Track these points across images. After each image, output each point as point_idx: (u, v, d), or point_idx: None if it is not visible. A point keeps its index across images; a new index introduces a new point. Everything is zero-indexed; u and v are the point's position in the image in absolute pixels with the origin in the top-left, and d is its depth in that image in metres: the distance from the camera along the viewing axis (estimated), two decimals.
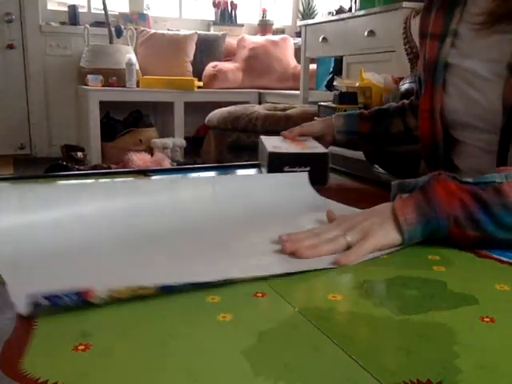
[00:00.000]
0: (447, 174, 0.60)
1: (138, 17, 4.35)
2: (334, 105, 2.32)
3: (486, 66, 0.78)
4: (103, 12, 3.98)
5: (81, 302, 0.42)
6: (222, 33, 4.44)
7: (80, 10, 4.22)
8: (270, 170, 0.83)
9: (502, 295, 0.49)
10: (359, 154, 1.25)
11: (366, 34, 2.79)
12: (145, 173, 0.98)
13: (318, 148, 0.90)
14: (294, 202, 0.73)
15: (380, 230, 0.58)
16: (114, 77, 3.83)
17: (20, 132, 4.11)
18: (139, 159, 2.97)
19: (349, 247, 0.56)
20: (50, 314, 0.42)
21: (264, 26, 4.71)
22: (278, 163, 0.84)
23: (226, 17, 4.66)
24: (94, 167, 3.14)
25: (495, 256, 0.58)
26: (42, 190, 0.65)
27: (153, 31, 4.23)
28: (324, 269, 0.53)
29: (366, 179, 0.98)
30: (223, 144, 3.09)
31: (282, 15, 5.08)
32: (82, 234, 0.60)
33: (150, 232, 0.62)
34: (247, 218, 0.68)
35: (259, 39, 4.43)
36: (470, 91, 0.80)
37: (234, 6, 4.66)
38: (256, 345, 0.38)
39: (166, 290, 0.46)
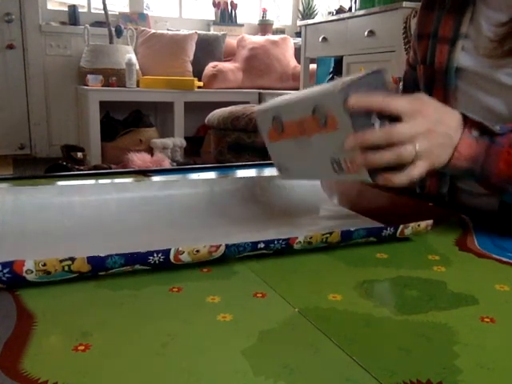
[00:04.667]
0: None
1: (137, 17, 4.35)
2: None
3: (505, 72, 0.73)
4: (103, 12, 3.98)
5: (14, 277, 0.45)
6: (221, 33, 4.44)
7: (80, 10, 4.22)
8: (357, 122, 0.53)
9: (502, 295, 0.49)
10: None
11: (365, 33, 2.79)
12: (145, 173, 0.98)
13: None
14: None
15: (440, 151, 0.58)
16: (114, 77, 3.83)
17: (20, 132, 4.11)
18: (139, 159, 2.97)
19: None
20: (49, 314, 0.42)
21: (264, 26, 4.71)
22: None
23: (226, 17, 4.66)
24: (94, 167, 3.14)
25: (495, 256, 0.58)
26: (35, 192, 0.65)
27: (153, 31, 4.23)
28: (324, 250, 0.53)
29: None
30: (223, 144, 3.08)
31: (282, 15, 5.07)
32: (71, 228, 0.61)
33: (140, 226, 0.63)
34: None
35: (259, 39, 4.43)
36: (485, 98, 0.77)
37: (234, 6, 4.66)
38: (256, 345, 0.38)
39: (98, 264, 0.47)
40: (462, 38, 0.79)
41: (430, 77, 0.84)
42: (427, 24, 0.86)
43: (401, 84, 1.01)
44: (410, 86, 0.94)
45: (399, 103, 0.55)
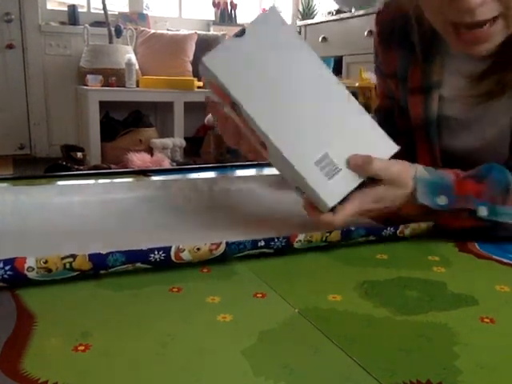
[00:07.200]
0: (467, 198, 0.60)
1: (137, 17, 4.34)
2: None
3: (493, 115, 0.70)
4: (103, 12, 3.98)
5: (15, 275, 0.44)
6: (221, 33, 4.44)
7: (80, 10, 4.21)
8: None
9: (502, 296, 0.49)
10: None
11: (365, 33, 2.79)
12: (144, 173, 0.98)
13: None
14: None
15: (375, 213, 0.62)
16: (114, 77, 3.82)
17: (20, 132, 4.11)
18: (139, 159, 2.97)
19: None
20: (49, 314, 0.42)
21: None
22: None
23: (226, 17, 4.66)
24: (94, 167, 3.14)
25: (495, 257, 0.58)
26: (35, 192, 0.65)
27: (152, 31, 4.22)
28: (321, 265, 0.53)
29: None
30: (223, 144, 3.08)
31: (282, 15, 5.07)
32: (70, 228, 0.61)
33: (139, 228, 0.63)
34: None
35: None
36: (474, 143, 0.74)
37: (233, 6, 4.65)
38: (256, 345, 0.38)
39: (99, 261, 0.47)
40: (435, 87, 0.74)
41: (410, 129, 0.79)
42: (391, 62, 0.80)
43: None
44: (392, 120, 0.86)
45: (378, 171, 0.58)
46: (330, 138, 0.56)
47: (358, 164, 0.57)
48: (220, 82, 0.55)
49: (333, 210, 0.56)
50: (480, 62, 0.67)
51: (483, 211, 0.60)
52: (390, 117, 0.85)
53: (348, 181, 0.56)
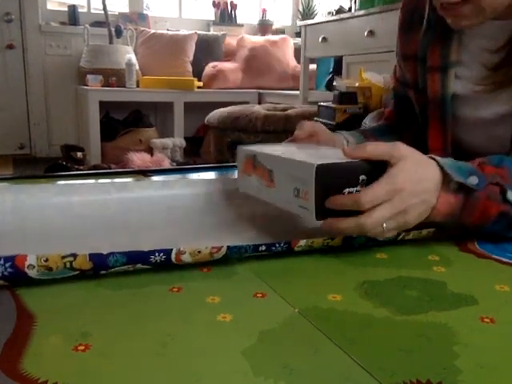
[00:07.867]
0: (498, 187, 0.58)
1: (137, 17, 4.35)
2: (333, 105, 2.32)
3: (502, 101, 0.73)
4: (103, 12, 3.98)
5: (16, 272, 0.45)
6: (221, 33, 4.44)
7: (80, 10, 4.22)
8: (319, 193, 0.53)
9: (502, 295, 0.49)
10: None
11: (365, 34, 2.78)
12: (144, 173, 0.98)
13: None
14: None
15: (416, 219, 0.56)
16: (114, 77, 3.83)
17: (20, 132, 4.11)
18: (139, 159, 2.96)
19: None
20: (49, 314, 0.42)
21: (264, 26, 4.71)
22: (331, 181, 0.54)
23: (226, 17, 4.66)
24: (94, 167, 3.14)
25: (495, 256, 0.58)
26: (35, 191, 0.65)
27: (152, 31, 4.23)
28: (323, 264, 0.53)
29: None
30: (223, 144, 3.08)
31: (282, 15, 5.07)
32: (70, 228, 0.61)
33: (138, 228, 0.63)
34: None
35: (259, 39, 4.43)
36: (486, 124, 0.77)
37: (233, 6, 4.66)
38: (256, 345, 0.38)
39: (99, 261, 0.47)
40: (453, 67, 0.79)
41: (425, 106, 0.83)
42: (411, 44, 0.85)
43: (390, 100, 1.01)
44: (402, 104, 0.94)
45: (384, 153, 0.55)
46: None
47: (351, 150, 0.55)
48: (247, 150, 0.67)
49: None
50: (495, 54, 0.72)
51: (510, 194, 0.58)
52: (399, 99, 0.96)
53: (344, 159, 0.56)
